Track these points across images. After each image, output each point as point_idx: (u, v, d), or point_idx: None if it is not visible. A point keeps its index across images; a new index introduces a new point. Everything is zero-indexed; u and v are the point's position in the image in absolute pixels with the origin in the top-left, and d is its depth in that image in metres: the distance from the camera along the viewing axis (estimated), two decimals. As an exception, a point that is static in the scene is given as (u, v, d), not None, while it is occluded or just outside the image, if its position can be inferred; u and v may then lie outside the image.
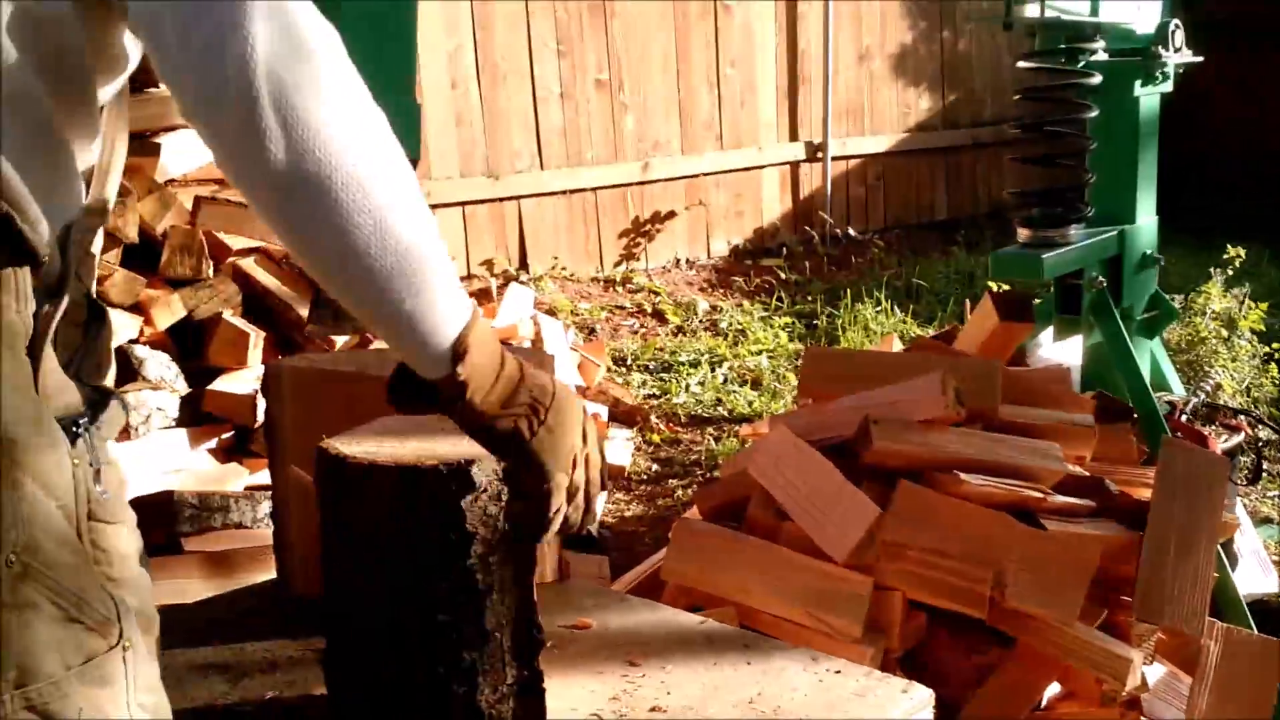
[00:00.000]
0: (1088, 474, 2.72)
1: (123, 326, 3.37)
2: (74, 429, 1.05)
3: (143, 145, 3.57)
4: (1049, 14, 2.84)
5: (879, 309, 6.52)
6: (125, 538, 1.11)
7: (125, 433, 3.12)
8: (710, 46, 7.12)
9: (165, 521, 3.05)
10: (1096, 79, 2.99)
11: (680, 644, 1.99)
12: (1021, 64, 3.09)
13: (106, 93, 1.15)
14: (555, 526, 1.34)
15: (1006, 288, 4.16)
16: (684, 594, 2.62)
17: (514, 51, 6.28)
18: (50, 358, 1.05)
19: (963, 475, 2.49)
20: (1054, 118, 3.09)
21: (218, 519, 3.04)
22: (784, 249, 7.43)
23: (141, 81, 3.79)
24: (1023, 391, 2.89)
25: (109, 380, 1.16)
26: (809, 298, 6.76)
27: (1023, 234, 3.10)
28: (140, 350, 3.30)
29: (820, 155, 7.73)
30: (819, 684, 1.87)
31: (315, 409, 2.03)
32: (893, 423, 2.57)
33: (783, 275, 7.07)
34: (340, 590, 1.60)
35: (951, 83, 8.56)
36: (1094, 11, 3.01)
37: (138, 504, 2.80)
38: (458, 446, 1.49)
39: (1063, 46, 3.05)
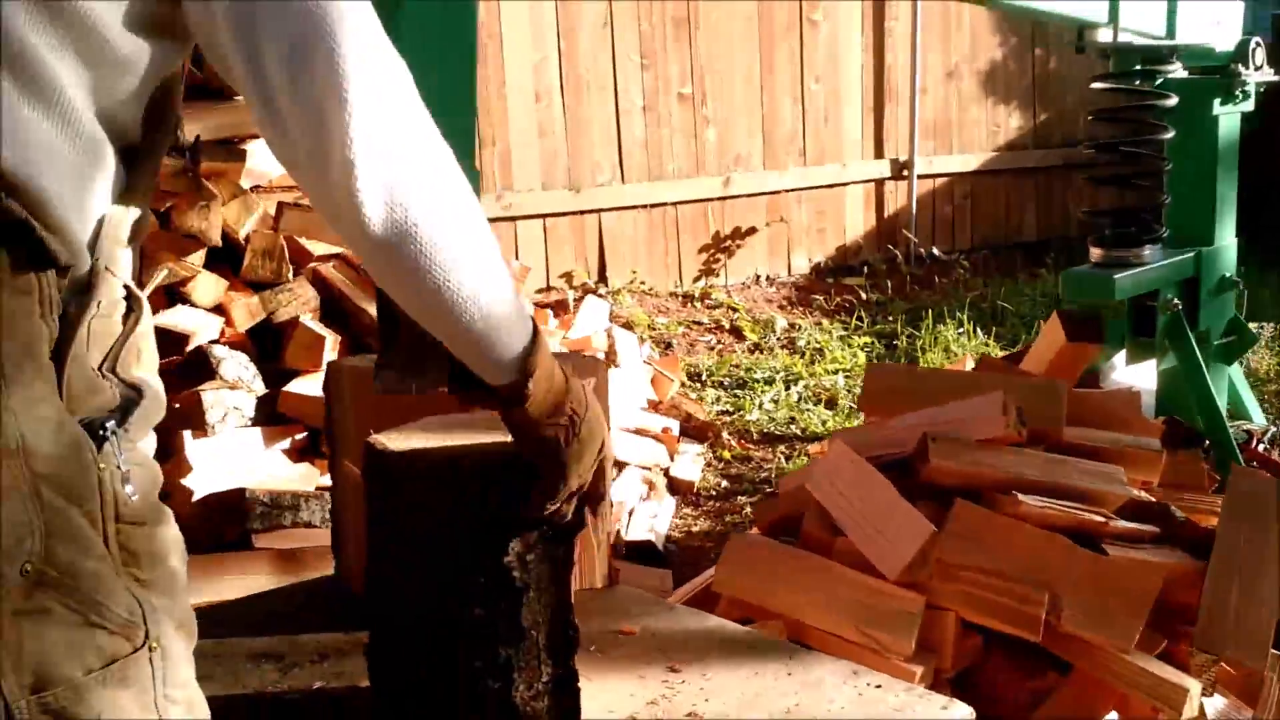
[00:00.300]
0: (1153, 500, 2.67)
1: (204, 327, 3.47)
2: (100, 432, 1.06)
3: (229, 151, 3.68)
4: (1123, 38, 2.80)
5: (961, 331, 6.45)
6: (158, 538, 1.11)
7: (202, 429, 3.21)
8: (795, 60, 7.12)
9: (237, 518, 3.13)
10: (1172, 100, 2.95)
11: (723, 652, 2.00)
12: (1095, 85, 3.05)
13: (148, 87, 1.15)
14: (546, 513, 1.46)
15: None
16: (736, 607, 2.62)
17: (598, 64, 6.34)
18: (79, 358, 1.06)
19: (1020, 496, 2.46)
20: (1130, 138, 3.04)
21: (288, 517, 3.12)
22: (866, 267, 7.38)
23: (229, 88, 3.91)
24: (1090, 413, 2.84)
25: (152, 369, 1.15)
26: (890, 318, 6.70)
27: (1095, 254, 3.06)
28: (219, 350, 3.40)
29: (906, 173, 7.67)
30: (858, 698, 1.87)
31: (375, 408, 2.08)
32: (951, 441, 2.55)
33: (864, 294, 7.02)
34: (384, 583, 1.64)
35: (1043, 101, 8.44)
36: (1170, 33, 2.97)
37: (211, 500, 2.88)
38: (497, 442, 1.53)
39: (1138, 68, 3.01)
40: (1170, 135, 2.98)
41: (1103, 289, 2.93)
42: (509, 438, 1.43)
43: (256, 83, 1.07)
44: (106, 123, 1.10)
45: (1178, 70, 3.07)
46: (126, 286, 1.12)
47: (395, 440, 1.62)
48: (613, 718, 1.79)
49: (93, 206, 1.09)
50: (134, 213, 1.13)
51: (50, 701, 1.01)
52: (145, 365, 1.14)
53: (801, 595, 2.45)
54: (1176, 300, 3.10)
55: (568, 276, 6.27)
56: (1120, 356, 3.27)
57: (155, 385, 1.14)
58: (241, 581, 2.96)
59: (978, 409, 2.59)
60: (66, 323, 1.05)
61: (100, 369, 1.08)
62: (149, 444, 1.17)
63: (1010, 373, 2.98)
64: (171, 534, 1.14)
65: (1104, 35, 2.85)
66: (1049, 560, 2.42)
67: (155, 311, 3.45)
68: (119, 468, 1.06)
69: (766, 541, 2.57)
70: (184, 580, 1.15)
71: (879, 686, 1.90)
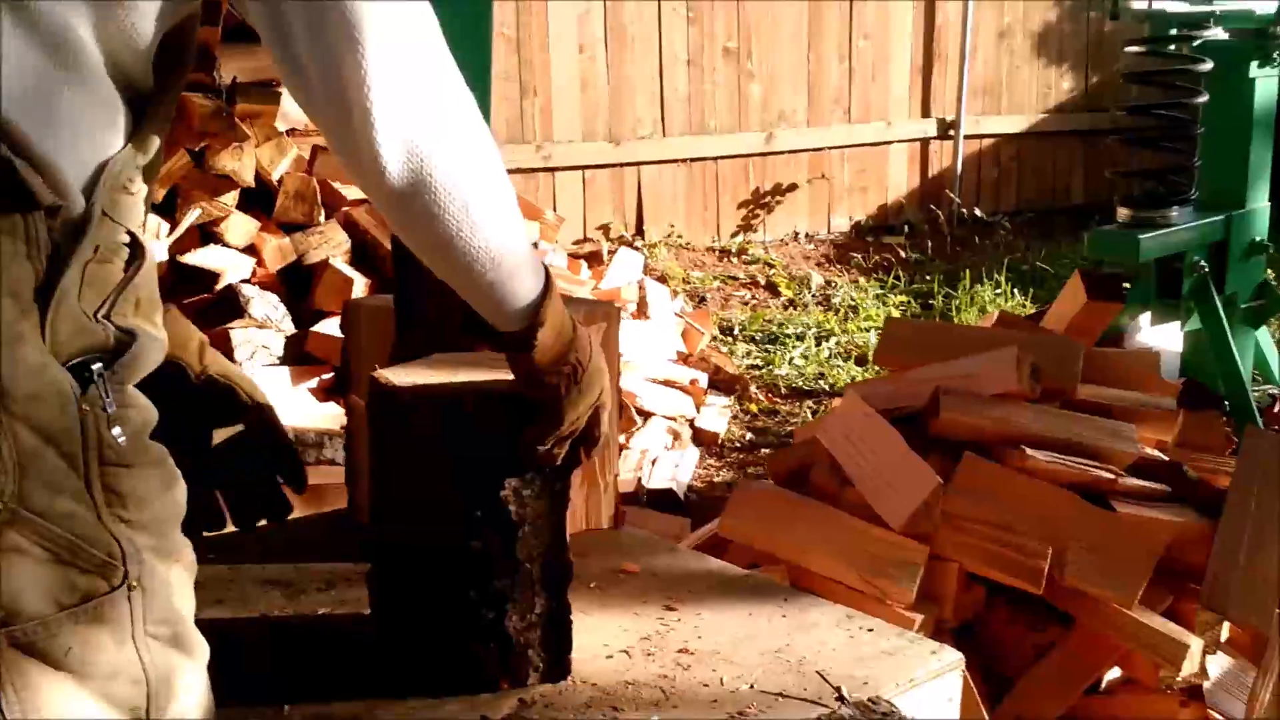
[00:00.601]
0: (1166, 459, 2.66)
1: (235, 266, 3.53)
2: (86, 374, 1.06)
3: (265, 93, 3.72)
4: (1158, 4, 2.76)
5: (998, 292, 6.41)
6: (147, 479, 1.12)
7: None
8: (844, 18, 7.06)
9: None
10: (1207, 65, 2.91)
11: (720, 593, 2.03)
12: (1129, 49, 3.02)
13: (157, 31, 1.15)
14: (537, 454, 1.51)
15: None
16: (745, 553, 2.65)
17: (643, 17, 6.32)
18: (68, 300, 1.06)
19: (1029, 450, 2.47)
20: (1163, 101, 3.01)
21: (311, 454, 3.18)
22: (907, 227, 7.34)
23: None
24: (1108, 372, 2.84)
25: (151, 317, 1.15)
26: (928, 277, 6.67)
27: (1122, 213, 3.04)
28: (248, 289, 3.46)
29: (952, 133, 7.60)
30: (849, 640, 1.89)
31: (389, 345, 2.11)
32: (963, 395, 2.56)
33: (903, 254, 6.99)
34: (385, 513, 1.68)
35: (1096, 64, 8.31)
36: (1205, -2, 2.93)
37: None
38: (499, 381, 1.56)
39: (1174, 32, 2.97)
40: (1203, 99, 2.94)
41: (1127, 248, 2.91)
42: (511, 377, 1.47)
43: (275, 31, 1.09)
44: (112, 66, 1.10)
45: (1215, 33, 3.03)
46: (131, 233, 1.12)
47: (399, 375, 1.65)
48: (607, 651, 1.82)
49: (89, 149, 1.09)
50: (141, 159, 1.13)
51: (19, 635, 1.03)
52: (143, 313, 1.14)
53: (806, 542, 2.48)
54: (1204, 263, 3.08)
55: (605, 229, 6.29)
56: (1146, 317, 3.25)
57: (151, 332, 1.15)
58: (265, 514, 3.02)
59: (991, 364, 2.59)
60: (55, 264, 1.04)
61: (95, 314, 1.08)
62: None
63: (1028, 329, 2.97)
64: (164, 473, 1.15)
65: (1139, 2, 2.82)
66: (1055, 514, 2.44)
67: (187, 250, 3.51)
68: (104, 410, 1.06)
69: (773, 489, 2.60)
70: (178, 515, 1.17)
71: (871, 630, 1.92)
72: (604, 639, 1.84)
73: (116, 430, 1.07)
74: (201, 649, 1.22)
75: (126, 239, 1.11)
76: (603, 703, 1.65)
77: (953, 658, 1.86)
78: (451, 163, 1.16)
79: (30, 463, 1.03)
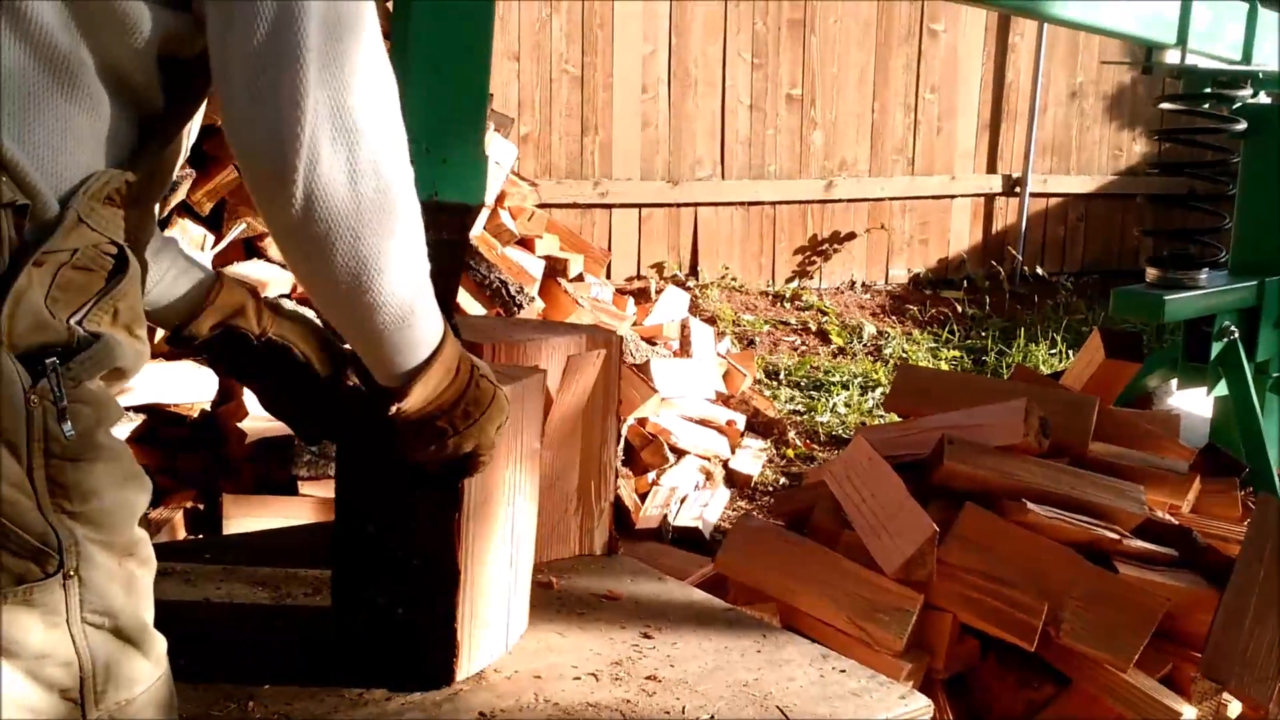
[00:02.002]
0: (1176, 523, 2.62)
1: (276, 280, 3.62)
2: (38, 367, 1.08)
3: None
4: (1190, 60, 2.75)
5: (1053, 351, 6.34)
6: (95, 474, 1.14)
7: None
8: (910, 69, 7.07)
9: (285, 463, 3.27)
10: (1240, 125, 2.89)
11: (699, 624, 2.04)
12: (1163, 106, 3.00)
13: (151, 50, 1.17)
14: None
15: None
16: (744, 592, 2.66)
17: (708, 60, 6.39)
18: (28, 296, 1.08)
19: (1030, 504, 2.45)
20: (1203, 163, 2.99)
21: (333, 466, 3.23)
22: (966, 282, 7.29)
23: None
24: (1125, 432, 2.81)
25: (126, 329, 1.17)
26: (984, 333, 6.62)
27: (1150, 273, 3.02)
28: (286, 304, 3.53)
29: (1018, 190, 7.56)
30: (819, 679, 1.89)
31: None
32: (969, 445, 2.55)
33: (960, 308, 6.94)
34: (341, 489, 1.80)
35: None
36: (1246, 58, 2.90)
37: (261, 445, 3.00)
38: None
39: (1208, 91, 2.95)
40: (1235, 159, 2.92)
41: (1151, 309, 2.88)
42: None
43: (217, 26, 1.12)
44: (113, 81, 1.14)
45: (1251, 95, 3.00)
46: (119, 246, 1.15)
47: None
48: (574, 673, 1.84)
49: (73, 158, 1.12)
50: (131, 176, 1.16)
51: None
52: (121, 323, 1.16)
53: (799, 582, 2.48)
54: (1234, 328, 3.03)
55: (658, 267, 6.34)
56: (1176, 381, 3.21)
57: (120, 338, 1.16)
58: (283, 523, 3.10)
59: (1000, 416, 2.58)
60: (18, 260, 1.07)
61: (68, 318, 1.11)
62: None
63: (1043, 384, 2.95)
64: (120, 470, 1.17)
65: (1172, 57, 2.81)
66: (1053, 571, 2.41)
67: (231, 262, 3.61)
68: (54, 403, 1.08)
69: (772, 527, 2.60)
70: (134, 512, 1.19)
71: (843, 671, 1.92)
72: (574, 660, 1.86)
73: (66, 424, 1.09)
74: (156, 645, 1.24)
75: (113, 250, 1.15)
76: (562, 723, 1.68)
77: (920, 704, 1.85)
78: (380, 195, 1.16)
79: None
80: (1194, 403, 3.26)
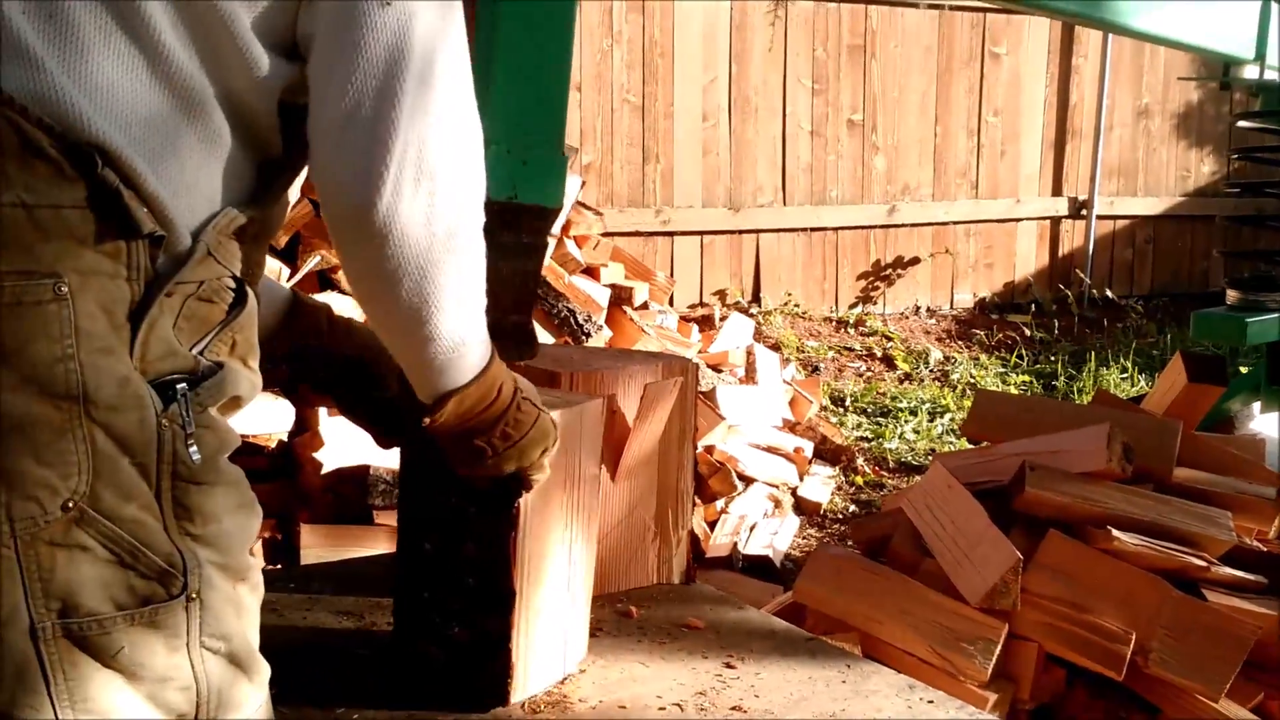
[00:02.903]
0: (1265, 549, 2.57)
1: (352, 313, 3.66)
2: (169, 393, 1.12)
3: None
4: (1269, 75, 2.71)
5: (1124, 376, 6.25)
6: (217, 498, 1.17)
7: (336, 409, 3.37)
8: (973, 93, 7.03)
9: (361, 493, 3.29)
10: (1318, 140, 2.84)
11: (782, 654, 2.02)
12: (1241, 124, 2.95)
13: (273, 95, 1.22)
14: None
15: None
16: (823, 621, 2.63)
17: (768, 87, 6.40)
18: (161, 324, 1.12)
19: (1115, 532, 2.41)
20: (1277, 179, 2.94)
21: (381, 498, 3.26)
22: (1034, 306, 7.21)
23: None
24: (1209, 458, 2.75)
25: (249, 363, 1.22)
26: (1052, 358, 6.54)
27: (1231, 296, 2.96)
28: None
29: (1085, 213, 7.47)
30: (907, 709, 1.87)
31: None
32: (1051, 471, 2.51)
33: (1028, 333, 6.87)
34: (404, 512, 1.84)
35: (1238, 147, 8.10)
36: (1326, 72, 2.85)
37: (338, 475, 3.05)
38: None
39: (1287, 106, 2.91)
40: (1318, 176, 2.86)
41: (1233, 332, 2.83)
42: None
43: (317, 104, 1.18)
44: (240, 123, 1.19)
45: (1331, 109, 2.95)
46: (238, 280, 1.20)
47: None
48: (658, 703, 1.83)
49: (205, 194, 1.17)
50: (255, 213, 1.21)
51: (74, 628, 1.09)
52: (238, 354, 1.21)
53: (880, 611, 2.45)
54: (1318, 350, 2.97)
55: (721, 294, 6.33)
56: (1258, 405, 3.15)
57: (239, 369, 1.21)
58: (359, 553, 3.12)
59: (1081, 441, 2.54)
60: (153, 289, 1.11)
61: (190, 346, 1.16)
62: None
63: (1124, 408, 2.90)
64: (239, 496, 1.21)
65: (1250, 72, 2.76)
66: (1140, 599, 2.37)
67: (307, 295, 3.65)
68: (183, 428, 1.12)
69: (851, 555, 2.58)
70: (248, 537, 1.22)
71: (930, 702, 1.90)
72: (659, 691, 1.86)
73: (193, 448, 1.13)
74: (261, 670, 1.26)
75: (233, 284, 1.19)
76: (649, 755, 1.67)
77: (1009, 736, 1.83)
78: (450, 237, 1.21)
79: (104, 467, 1.09)
80: (1277, 426, 3.19)
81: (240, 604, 1.22)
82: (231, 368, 1.18)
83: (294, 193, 1.39)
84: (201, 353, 1.16)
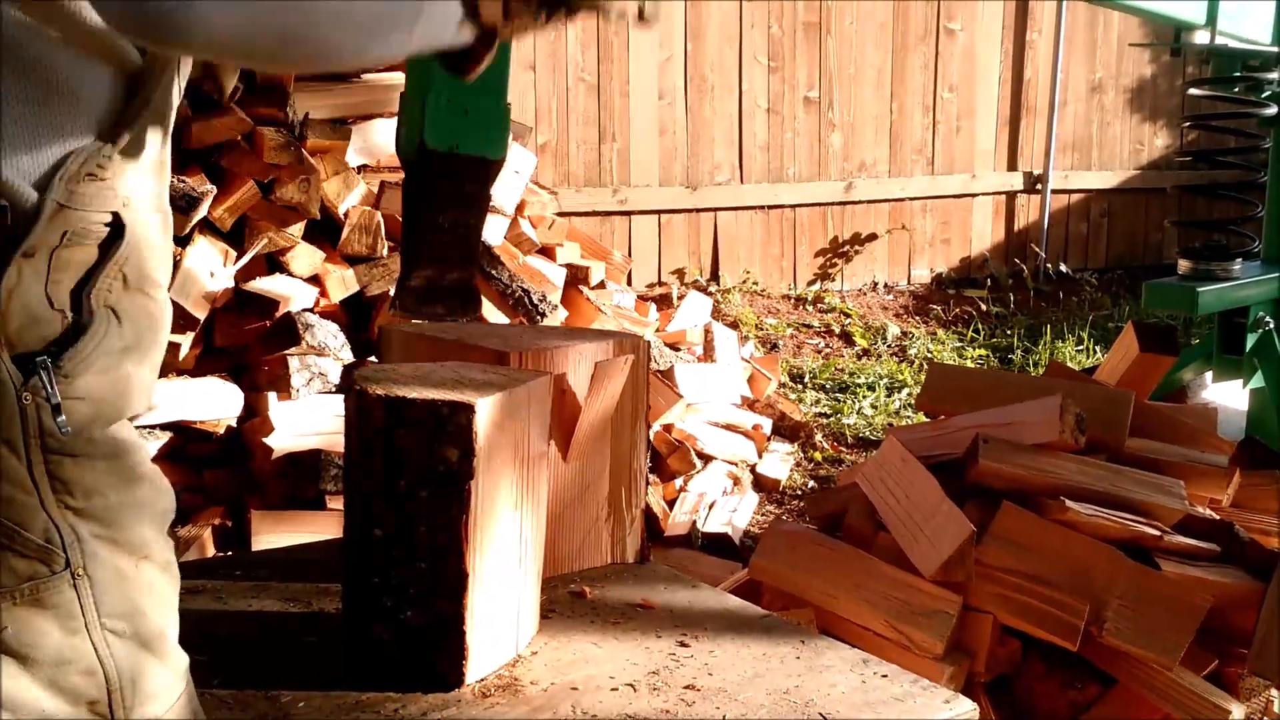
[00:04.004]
0: (1217, 517, 2.58)
1: (298, 295, 3.61)
2: (29, 365, 1.08)
3: (334, 130, 3.83)
4: (1220, 41, 2.71)
5: (1080, 348, 6.29)
6: (96, 470, 1.13)
7: (286, 392, 3.35)
8: (928, 69, 7.03)
9: (312, 478, 3.26)
10: (1271, 109, 2.84)
11: (736, 631, 2.01)
12: (1192, 91, 2.95)
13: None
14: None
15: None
16: (780, 597, 2.63)
17: (724, 65, 6.37)
18: (23, 292, 1.08)
19: (1069, 502, 2.41)
20: (1229, 149, 2.94)
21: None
22: (990, 280, 7.24)
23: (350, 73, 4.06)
24: (1162, 427, 2.76)
25: (150, 294, 1.17)
26: (1009, 332, 6.57)
27: (1182, 265, 2.97)
28: (310, 317, 3.53)
29: (1039, 187, 7.50)
30: (861, 684, 1.86)
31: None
32: (1003, 443, 2.51)
33: (984, 307, 6.89)
34: (348, 501, 1.78)
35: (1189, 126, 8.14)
36: (1276, 39, 2.86)
37: (289, 459, 2.99)
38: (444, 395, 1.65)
39: (1239, 74, 2.90)
40: (1266, 144, 2.87)
41: (1185, 301, 2.84)
42: (482, 394, 1.57)
43: None
44: (81, 44, 1.10)
45: (1277, 77, 2.95)
46: (114, 214, 1.14)
47: (373, 383, 1.71)
48: (612, 683, 1.81)
49: (34, 144, 1.10)
50: (109, 149, 1.13)
51: None
52: (133, 288, 1.16)
53: (835, 586, 2.45)
54: (1269, 318, 2.99)
55: (679, 273, 6.31)
56: (1210, 374, 3.16)
57: (140, 307, 1.15)
58: (311, 538, 3.08)
59: (1034, 413, 2.54)
60: (6, 257, 1.07)
61: (78, 291, 1.11)
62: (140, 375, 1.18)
63: (1077, 380, 2.91)
64: (123, 466, 1.16)
65: (1201, 38, 2.76)
66: (1094, 569, 2.37)
67: (254, 278, 3.61)
68: (47, 400, 1.09)
69: (806, 530, 2.57)
70: (141, 510, 1.18)
71: (885, 676, 1.89)
72: (611, 671, 1.84)
73: (61, 419, 1.10)
74: (177, 656, 1.23)
75: (104, 220, 1.13)
76: (601, 735, 1.65)
77: (966, 708, 1.82)
78: None
79: None
80: (1230, 396, 3.21)
81: (143, 583, 1.18)
82: (102, 327, 1.12)
83: (178, 93, 1.28)
84: (91, 296, 1.11)
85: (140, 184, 1.19)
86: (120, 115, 1.16)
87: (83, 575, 1.12)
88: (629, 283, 5.59)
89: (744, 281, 6.46)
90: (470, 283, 1.83)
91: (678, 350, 4.83)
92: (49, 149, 1.11)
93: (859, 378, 5.73)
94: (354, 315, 3.78)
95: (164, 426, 3.34)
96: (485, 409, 1.65)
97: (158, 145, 1.21)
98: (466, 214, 1.78)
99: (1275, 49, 2.88)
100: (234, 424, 3.43)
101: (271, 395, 3.35)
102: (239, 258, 3.55)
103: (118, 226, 1.15)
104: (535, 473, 1.81)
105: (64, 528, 1.12)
